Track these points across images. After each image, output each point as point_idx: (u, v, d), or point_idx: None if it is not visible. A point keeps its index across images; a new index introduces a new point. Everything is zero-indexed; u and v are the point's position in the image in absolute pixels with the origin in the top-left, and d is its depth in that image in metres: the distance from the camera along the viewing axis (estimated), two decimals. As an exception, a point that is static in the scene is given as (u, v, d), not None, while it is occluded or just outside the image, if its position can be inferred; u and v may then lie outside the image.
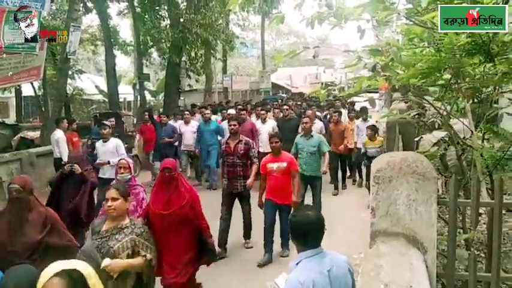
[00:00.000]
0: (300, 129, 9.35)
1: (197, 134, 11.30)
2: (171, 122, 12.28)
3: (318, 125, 10.97)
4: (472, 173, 3.56)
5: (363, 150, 9.82)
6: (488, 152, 3.38)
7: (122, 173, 5.30)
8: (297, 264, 2.71)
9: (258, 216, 7.10)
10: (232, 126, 7.40)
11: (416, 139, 6.18)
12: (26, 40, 9.09)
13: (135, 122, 18.64)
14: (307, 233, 2.72)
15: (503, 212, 3.04)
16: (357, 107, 12.70)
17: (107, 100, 22.93)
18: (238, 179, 7.07)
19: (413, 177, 2.64)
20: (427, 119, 5.35)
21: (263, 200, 6.80)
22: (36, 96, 19.97)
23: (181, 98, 24.51)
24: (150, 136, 12.21)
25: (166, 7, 19.50)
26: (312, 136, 8.07)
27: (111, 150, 8.44)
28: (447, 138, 4.51)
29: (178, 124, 12.17)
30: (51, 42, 11.68)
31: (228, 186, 7.16)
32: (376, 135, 9.40)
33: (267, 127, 10.74)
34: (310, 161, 7.96)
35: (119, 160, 5.64)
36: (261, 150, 9.94)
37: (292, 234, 2.83)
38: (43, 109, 18.03)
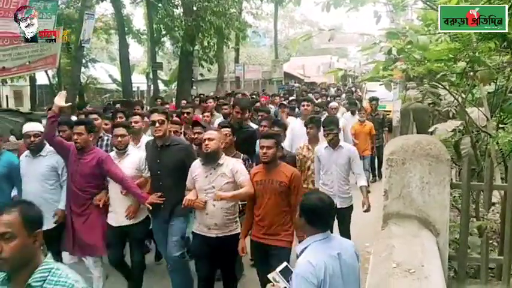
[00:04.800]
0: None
1: None
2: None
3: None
4: (486, 162, 3.56)
5: None
6: (505, 137, 3.38)
7: None
8: (306, 248, 2.68)
9: None
10: None
11: (430, 129, 6.16)
12: (26, 40, 8.92)
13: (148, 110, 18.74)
14: (320, 214, 2.67)
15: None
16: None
17: (120, 89, 23.06)
18: None
19: (427, 160, 2.65)
20: (442, 108, 5.33)
21: None
22: (50, 85, 20.13)
23: (194, 87, 24.56)
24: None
25: (179, -5, 19.50)
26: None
27: None
28: (462, 128, 4.49)
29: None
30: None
31: None
32: None
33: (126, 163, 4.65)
34: None
35: None
36: None
37: (304, 215, 2.74)
38: (57, 97, 18.16)
